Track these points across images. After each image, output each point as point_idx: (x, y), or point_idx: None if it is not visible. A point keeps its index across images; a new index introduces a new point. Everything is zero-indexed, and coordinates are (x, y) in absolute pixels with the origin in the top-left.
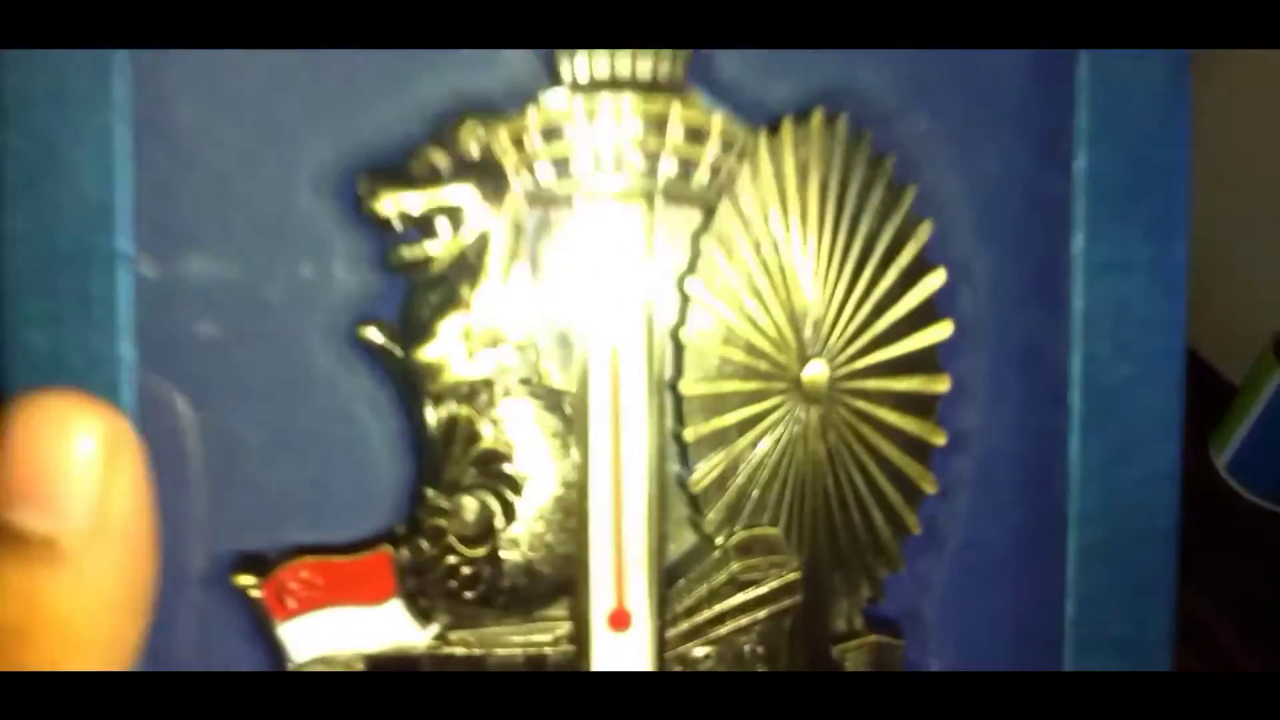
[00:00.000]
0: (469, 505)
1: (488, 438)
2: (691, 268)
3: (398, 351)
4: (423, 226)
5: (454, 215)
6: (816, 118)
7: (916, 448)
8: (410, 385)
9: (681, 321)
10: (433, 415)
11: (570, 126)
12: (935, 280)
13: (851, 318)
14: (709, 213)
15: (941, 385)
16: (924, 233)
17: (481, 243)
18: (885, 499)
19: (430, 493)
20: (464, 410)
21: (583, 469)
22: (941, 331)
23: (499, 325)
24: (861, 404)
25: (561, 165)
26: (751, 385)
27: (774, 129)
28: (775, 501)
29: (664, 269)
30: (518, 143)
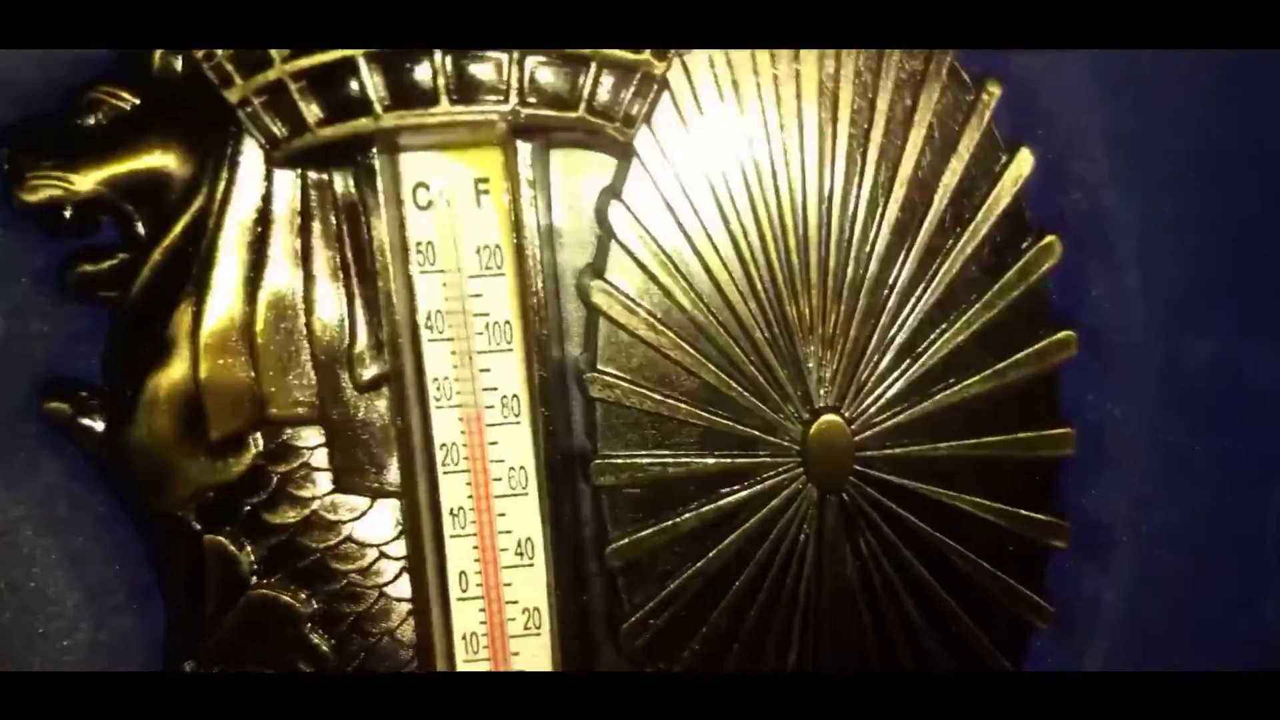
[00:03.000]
0: None
1: (261, 580)
2: (599, 260)
3: (97, 432)
4: (115, 218)
5: (155, 197)
6: None
7: (1021, 555)
8: (127, 497)
9: (590, 354)
10: (168, 548)
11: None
12: (1047, 254)
13: (892, 330)
14: (623, 158)
15: (1064, 445)
16: (1022, 167)
17: (204, 239)
18: (966, 645)
19: (188, 668)
20: (215, 537)
21: (428, 621)
22: (1062, 348)
23: (253, 378)
24: (919, 483)
25: (328, 91)
26: (716, 461)
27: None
28: (772, 662)
29: (556, 264)
30: (248, 57)
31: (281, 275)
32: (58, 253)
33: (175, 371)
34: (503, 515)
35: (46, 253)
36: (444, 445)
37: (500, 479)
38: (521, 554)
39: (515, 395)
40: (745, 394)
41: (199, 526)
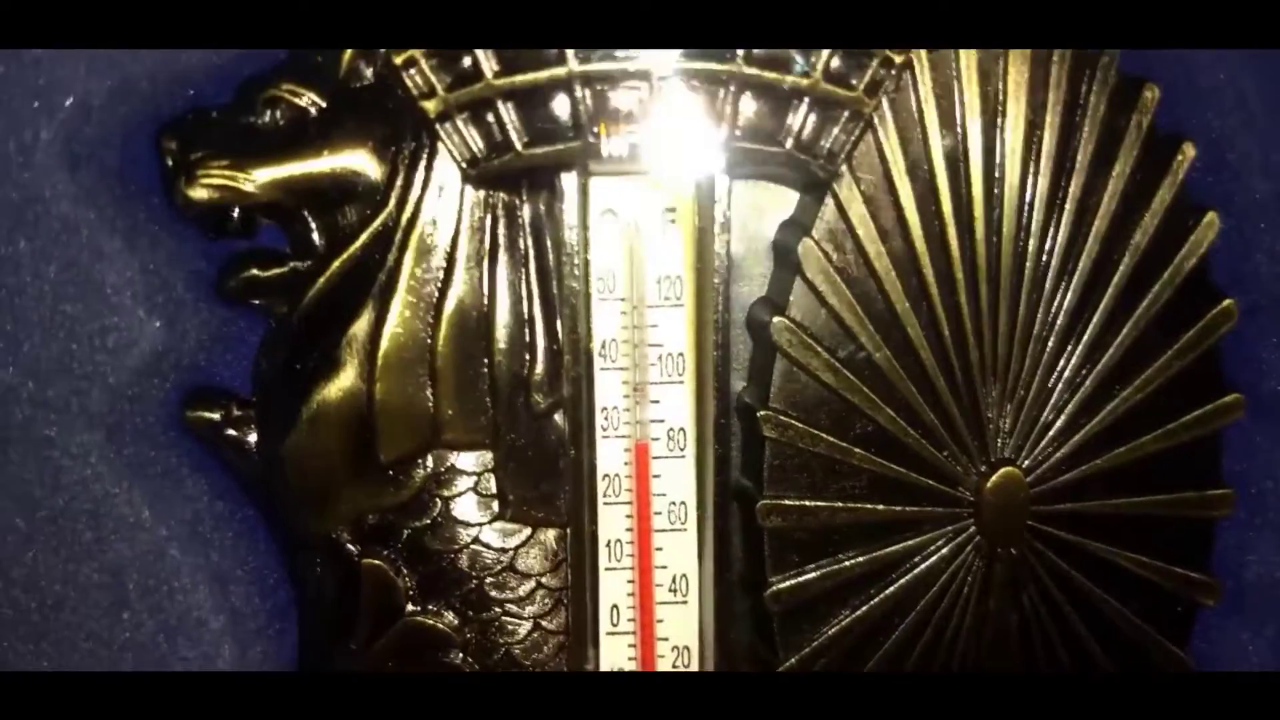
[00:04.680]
0: None
1: (416, 606)
2: (778, 295)
3: (248, 444)
4: (285, 224)
5: (337, 204)
6: None
7: (1171, 612)
8: (274, 512)
9: (761, 392)
10: (317, 566)
11: (558, 54)
12: (1224, 318)
13: (1075, 384)
14: (813, 193)
15: (1222, 506)
16: (1208, 231)
17: (390, 253)
18: None
19: None
20: (372, 560)
21: (584, 649)
22: (1230, 410)
23: (430, 400)
24: (1087, 539)
25: (537, 110)
26: (887, 508)
27: None
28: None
29: (730, 297)
30: (453, 67)
31: (466, 296)
32: (215, 255)
33: (347, 388)
34: (660, 550)
35: (205, 255)
36: (606, 476)
37: (660, 513)
38: (675, 590)
39: (682, 429)
40: (922, 441)
41: (355, 549)
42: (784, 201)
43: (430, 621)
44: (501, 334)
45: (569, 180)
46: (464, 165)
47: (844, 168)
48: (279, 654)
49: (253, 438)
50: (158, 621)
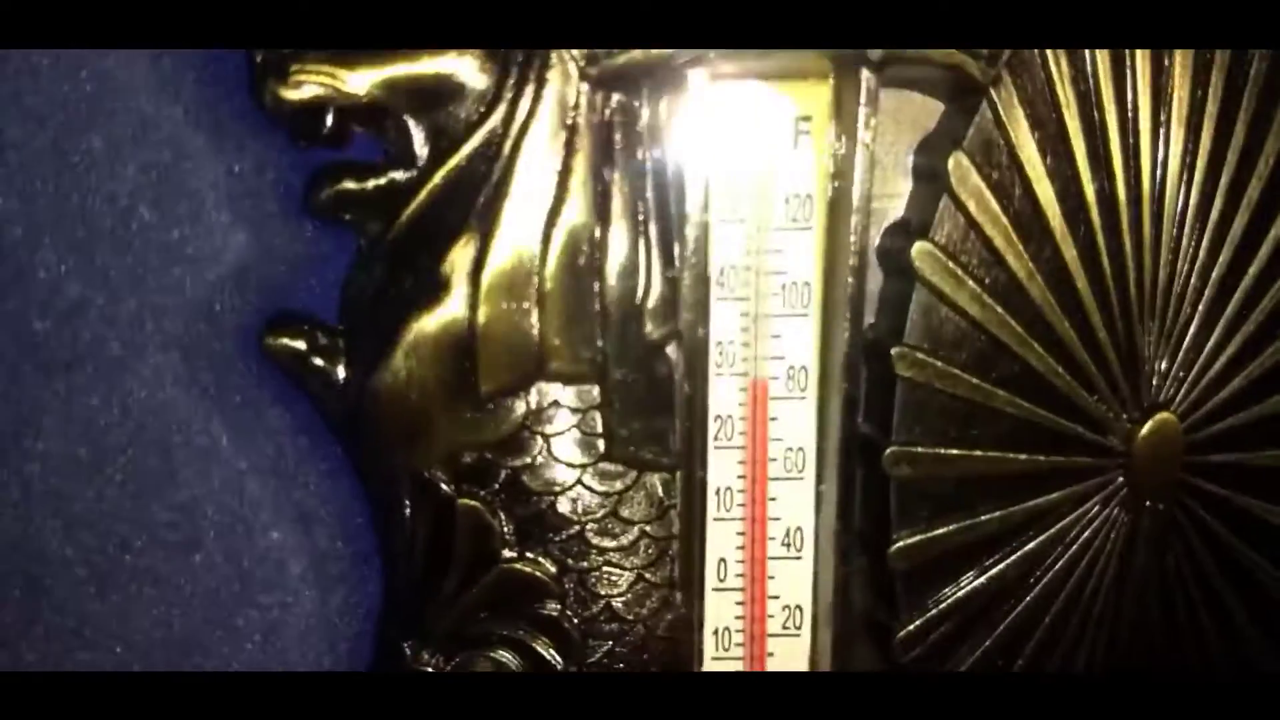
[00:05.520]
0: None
1: (513, 553)
2: (919, 216)
3: (335, 376)
4: (382, 132)
5: (442, 108)
6: None
7: None
8: (362, 449)
9: (894, 326)
10: (408, 506)
11: None
12: None
13: (1242, 319)
14: (962, 102)
15: None
16: None
17: (498, 164)
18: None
19: (407, 649)
20: (468, 501)
21: (691, 604)
22: None
23: (536, 328)
24: (1239, 493)
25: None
26: (1030, 458)
27: None
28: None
29: (865, 215)
30: None
31: (578, 213)
32: (303, 166)
33: (447, 314)
34: (773, 500)
35: (292, 165)
36: (718, 417)
37: (776, 459)
38: (789, 544)
39: (804, 367)
40: (1073, 384)
41: (450, 489)
42: (926, 114)
43: (528, 569)
44: (614, 256)
45: (696, 78)
46: (582, 64)
47: (1004, 71)
48: (363, 601)
49: (340, 370)
50: (233, 564)
